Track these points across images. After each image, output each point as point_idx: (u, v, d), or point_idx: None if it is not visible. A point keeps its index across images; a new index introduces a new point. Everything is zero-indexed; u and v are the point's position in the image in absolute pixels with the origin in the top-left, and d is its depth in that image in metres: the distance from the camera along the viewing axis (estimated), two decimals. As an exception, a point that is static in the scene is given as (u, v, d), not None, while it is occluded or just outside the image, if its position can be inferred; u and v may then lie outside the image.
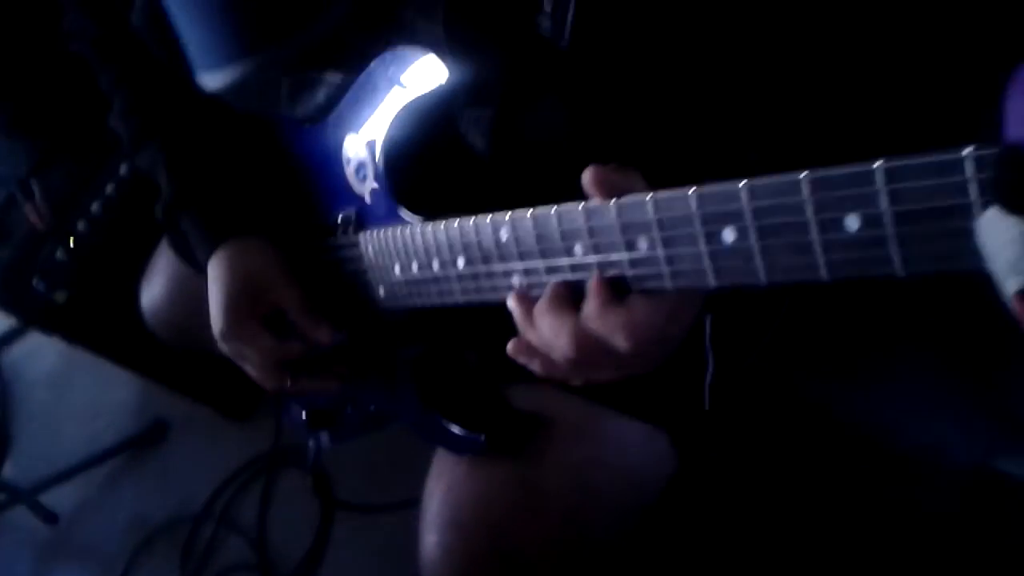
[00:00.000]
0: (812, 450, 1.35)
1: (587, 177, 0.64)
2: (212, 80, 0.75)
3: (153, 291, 1.39)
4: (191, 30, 0.74)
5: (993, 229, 0.40)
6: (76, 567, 2.29)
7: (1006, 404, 0.92)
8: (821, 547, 1.33)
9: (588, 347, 0.67)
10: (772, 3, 0.73)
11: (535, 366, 0.75)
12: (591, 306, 0.65)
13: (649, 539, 1.06)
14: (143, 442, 2.35)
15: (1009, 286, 0.39)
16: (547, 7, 0.78)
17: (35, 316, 1.85)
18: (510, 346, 0.75)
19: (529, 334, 0.72)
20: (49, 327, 1.89)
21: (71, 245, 1.81)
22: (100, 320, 1.88)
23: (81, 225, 1.82)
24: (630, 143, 0.80)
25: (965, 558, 1.22)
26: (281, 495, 2.09)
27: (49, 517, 2.30)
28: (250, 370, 1.05)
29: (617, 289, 0.65)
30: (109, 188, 1.85)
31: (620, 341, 0.65)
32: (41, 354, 2.74)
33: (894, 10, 0.71)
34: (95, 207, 1.83)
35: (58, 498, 2.33)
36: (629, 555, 1.01)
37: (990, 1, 0.69)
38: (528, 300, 0.72)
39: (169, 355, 1.73)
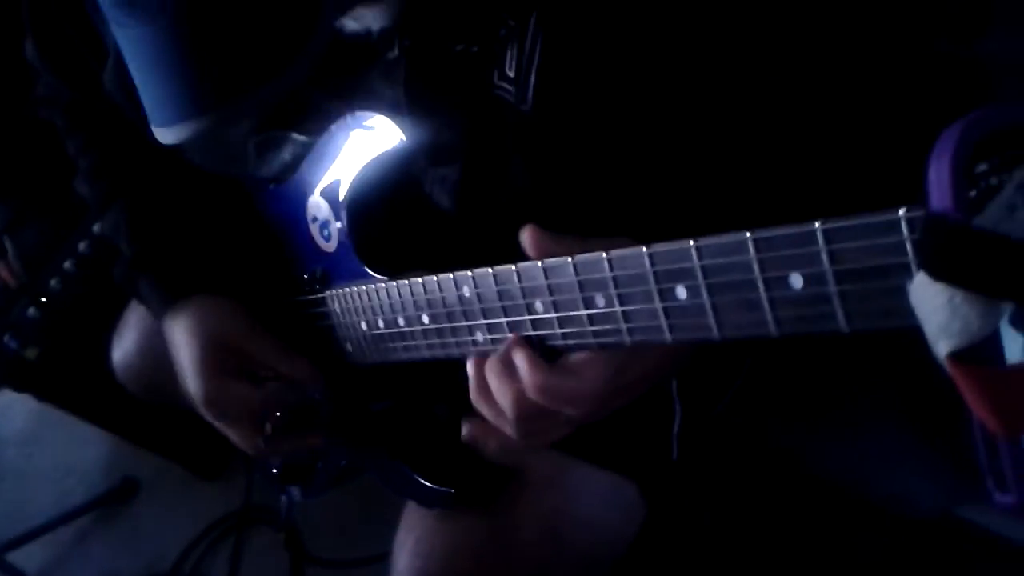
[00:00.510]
0: (780, 498, 1.36)
1: (524, 237, 0.66)
2: (164, 136, 0.76)
3: (124, 345, 1.38)
4: (145, 87, 0.75)
5: (922, 294, 0.41)
6: (44, 628, 2.25)
7: (966, 454, 0.94)
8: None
9: (530, 412, 0.69)
10: (726, 72, 0.75)
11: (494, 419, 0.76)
12: (531, 383, 0.67)
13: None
14: (113, 500, 2.33)
15: (940, 349, 0.41)
16: (510, 72, 0.80)
17: (6, 374, 1.84)
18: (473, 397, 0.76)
19: (483, 393, 0.74)
20: (20, 385, 1.87)
21: (43, 302, 1.81)
22: (71, 377, 1.87)
23: (54, 282, 1.82)
24: (594, 201, 0.83)
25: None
26: (252, 553, 2.07)
27: (17, 576, 2.27)
28: (232, 432, 1.04)
29: (547, 355, 0.67)
30: (82, 246, 1.85)
31: (570, 410, 0.67)
32: (11, 413, 2.72)
33: (835, 76, 0.73)
34: (68, 265, 1.83)
35: (27, 557, 2.29)
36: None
37: (924, 67, 0.71)
38: (482, 362, 0.74)
39: (139, 412, 1.73)
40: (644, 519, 1.04)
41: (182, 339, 1.02)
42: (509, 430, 0.73)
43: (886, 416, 1.11)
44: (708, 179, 0.79)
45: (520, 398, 0.69)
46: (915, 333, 0.43)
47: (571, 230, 0.67)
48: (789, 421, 1.21)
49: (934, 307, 0.40)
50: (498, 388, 0.70)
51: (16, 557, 2.27)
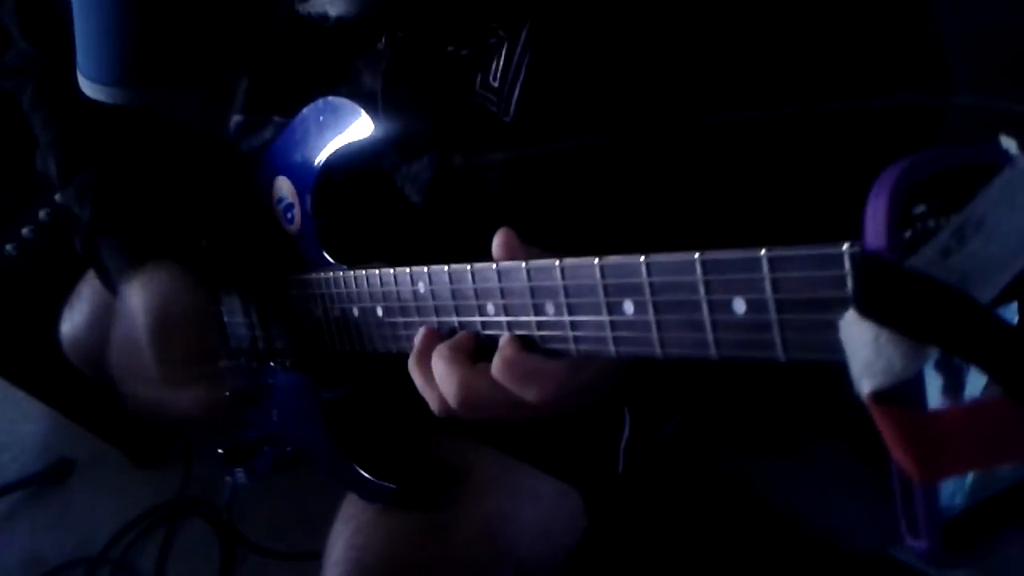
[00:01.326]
0: (721, 521, 1.37)
1: (496, 240, 0.67)
2: (90, 90, 0.76)
3: (75, 319, 1.37)
4: (87, 36, 0.75)
5: (850, 331, 0.41)
6: (-39, 601, 2.21)
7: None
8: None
9: (470, 402, 0.69)
10: (705, 97, 0.77)
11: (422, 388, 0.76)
12: (501, 356, 0.67)
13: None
14: (45, 479, 2.29)
15: (863, 387, 0.41)
16: (494, 81, 0.81)
17: (-51, 337, 1.82)
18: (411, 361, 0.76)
19: (418, 364, 0.74)
20: (-37, 348, 1.85)
21: (-5, 267, 1.79)
22: (16, 346, 1.85)
23: (10, 247, 1.80)
24: (565, 214, 0.84)
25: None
26: (182, 545, 2.05)
27: (-62, 547, 2.23)
28: (183, 394, 0.99)
29: (526, 345, 0.67)
30: (42, 214, 1.83)
31: (530, 393, 0.66)
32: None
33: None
34: (26, 231, 1.81)
35: (-49, 530, 2.26)
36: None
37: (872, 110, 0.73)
38: (435, 339, 0.73)
39: (82, 390, 1.70)
40: (585, 531, 1.04)
41: (139, 301, 0.99)
42: (435, 405, 0.74)
43: (832, 450, 1.13)
44: (681, 199, 0.81)
45: (464, 385, 0.69)
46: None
47: (541, 240, 0.68)
48: (736, 446, 1.22)
49: (860, 344, 0.40)
50: (444, 372, 0.70)
51: (-60, 529, 2.24)
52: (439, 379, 0.71)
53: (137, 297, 1.00)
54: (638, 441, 1.02)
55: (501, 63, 0.81)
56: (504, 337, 0.67)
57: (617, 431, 1.01)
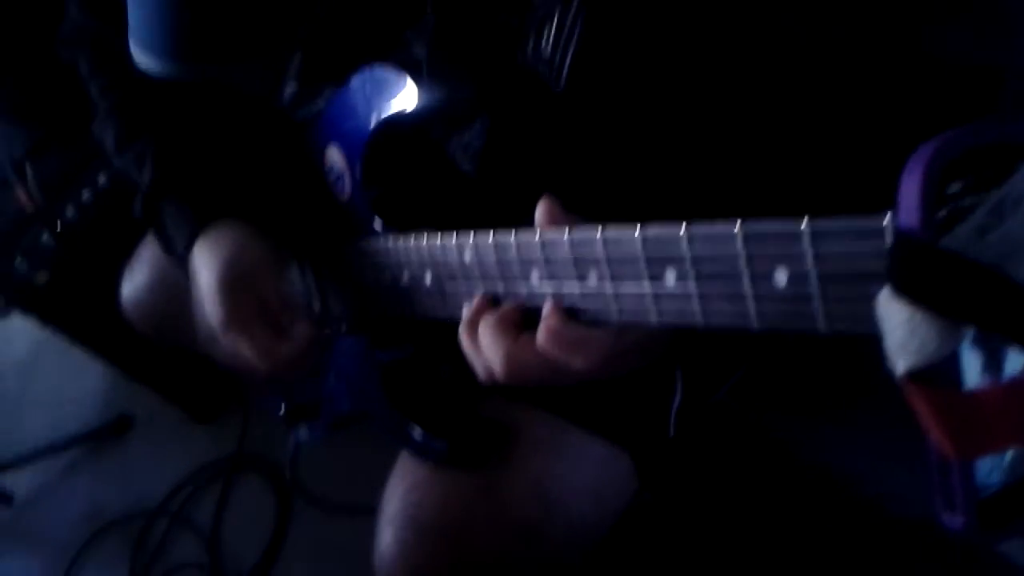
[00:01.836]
0: (771, 488, 1.37)
1: (539, 206, 0.67)
2: (142, 59, 0.78)
3: (135, 281, 1.39)
4: (144, 9, 0.77)
5: (885, 309, 0.41)
6: (25, 551, 2.28)
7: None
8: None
9: (516, 372, 0.70)
10: (758, 62, 0.76)
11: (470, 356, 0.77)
12: (546, 326, 0.67)
13: (606, 564, 1.07)
14: (105, 434, 2.35)
15: (898, 366, 0.40)
16: (545, 49, 0.81)
17: (14, 295, 1.86)
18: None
19: (467, 333, 0.75)
20: (25, 307, 1.89)
21: (58, 229, 1.82)
22: (77, 306, 1.89)
23: (70, 211, 1.84)
24: (615, 183, 0.84)
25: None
26: (239, 499, 2.09)
27: (4, 499, 2.30)
28: (250, 347, 0.98)
29: (570, 314, 0.67)
30: (102, 178, 1.86)
31: (576, 361, 0.67)
32: (13, 340, 2.74)
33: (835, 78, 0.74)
34: (86, 195, 1.85)
35: (15, 481, 2.32)
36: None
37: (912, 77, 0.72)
38: (485, 308, 0.75)
39: (141, 349, 1.74)
40: (635, 493, 1.05)
41: (204, 261, 1.00)
42: (481, 373, 0.75)
43: (884, 415, 1.12)
44: (735, 168, 0.80)
45: (509, 356, 0.70)
46: None
47: (589, 209, 0.68)
48: (789, 414, 1.22)
49: (895, 323, 0.40)
50: (490, 342, 0.71)
51: (5, 480, 2.31)
52: (485, 349, 0.72)
53: (206, 255, 1.00)
54: (690, 405, 1.02)
55: (552, 32, 0.80)
56: (548, 306, 0.68)
57: (669, 395, 1.01)
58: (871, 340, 0.47)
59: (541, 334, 0.67)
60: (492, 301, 0.75)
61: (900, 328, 0.40)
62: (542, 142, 0.88)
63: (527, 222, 0.70)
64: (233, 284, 0.98)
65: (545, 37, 0.81)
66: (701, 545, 1.45)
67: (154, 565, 2.06)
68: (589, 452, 1.02)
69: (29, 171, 1.85)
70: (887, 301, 0.41)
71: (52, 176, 1.87)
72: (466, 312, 0.76)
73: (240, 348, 0.98)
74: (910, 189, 0.39)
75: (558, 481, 0.98)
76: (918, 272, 0.39)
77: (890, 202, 0.43)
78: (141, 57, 0.78)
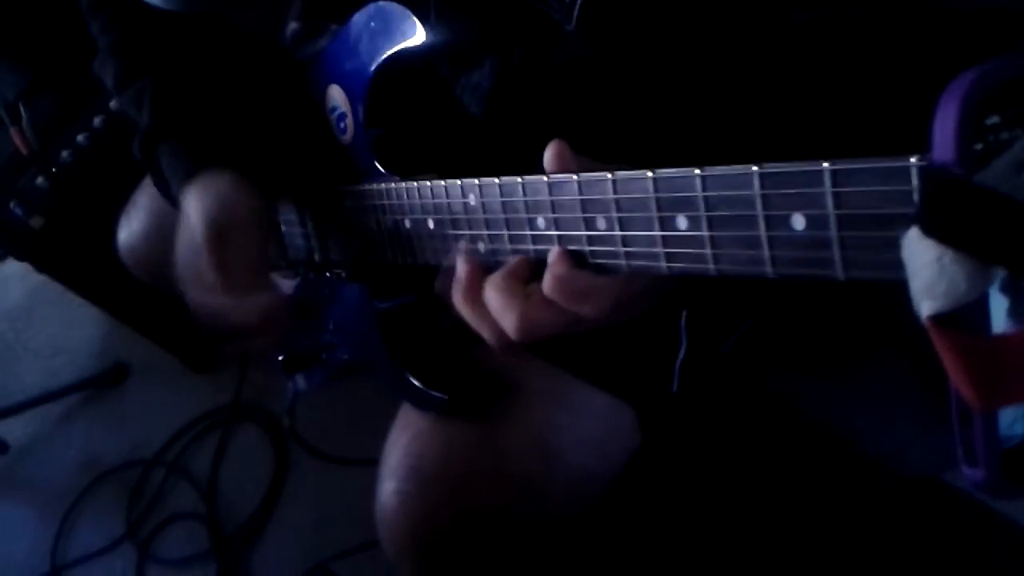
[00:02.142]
0: (775, 443, 1.37)
1: (548, 150, 0.65)
2: None
3: (132, 226, 1.38)
4: None
5: (912, 249, 0.39)
6: (22, 499, 2.29)
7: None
8: (773, 538, 1.35)
9: (529, 331, 0.68)
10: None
11: (476, 324, 0.74)
12: (553, 274, 0.66)
13: (607, 517, 1.06)
14: (101, 383, 2.35)
15: (923, 309, 0.39)
16: None
17: (9, 240, 1.84)
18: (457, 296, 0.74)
19: (468, 300, 0.73)
20: (21, 253, 1.88)
21: (53, 173, 1.81)
22: (73, 252, 1.88)
23: (65, 154, 1.82)
24: (626, 125, 0.82)
25: (907, 567, 1.25)
26: (235, 449, 2.10)
27: (0, 447, 2.30)
28: (244, 296, 0.97)
29: (577, 261, 0.66)
30: (97, 121, 1.85)
31: (585, 309, 0.65)
32: (8, 287, 2.74)
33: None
34: (81, 138, 1.83)
35: (10, 429, 2.33)
36: (586, 529, 1.02)
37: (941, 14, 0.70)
38: (481, 272, 0.72)
39: (138, 297, 1.73)
40: (637, 448, 1.04)
41: (194, 205, 0.98)
42: (492, 339, 0.73)
43: (889, 372, 1.11)
44: (749, 114, 0.78)
45: (524, 317, 0.67)
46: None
47: (600, 152, 0.66)
48: (792, 368, 1.20)
49: (922, 264, 0.38)
50: (502, 305, 0.69)
51: (0, 428, 2.31)
52: (497, 313, 0.69)
53: (195, 203, 0.98)
54: (694, 360, 1.01)
55: None
56: (554, 252, 0.66)
57: (673, 349, 1.00)
58: (877, 292, 0.46)
59: (548, 281, 0.66)
60: (486, 265, 0.73)
61: (927, 269, 0.38)
62: (553, 83, 0.86)
63: (535, 170, 0.68)
64: (220, 230, 0.96)
65: None
66: (702, 501, 1.45)
67: (151, 514, 2.07)
68: (591, 404, 1.01)
69: (23, 113, 1.82)
70: (914, 241, 0.39)
71: (46, 118, 1.85)
72: (462, 278, 0.73)
73: (218, 301, 0.97)
74: (946, 119, 0.37)
75: (560, 433, 0.98)
76: (950, 209, 0.37)
77: (910, 150, 0.42)
78: None
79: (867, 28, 0.71)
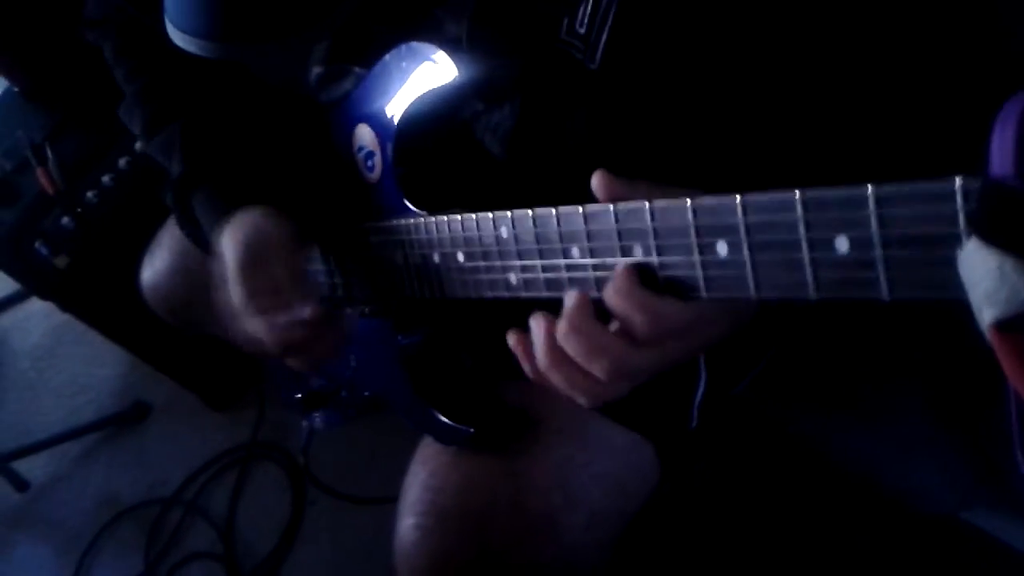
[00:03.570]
0: (792, 481, 1.36)
1: (595, 182, 0.65)
2: (179, 39, 0.78)
3: (155, 265, 1.39)
4: None
5: (972, 260, 0.41)
6: (40, 537, 2.29)
7: (988, 455, 0.94)
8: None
9: (630, 369, 0.67)
10: (801, 37, 0.75)
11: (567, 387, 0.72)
12: (615, 288, 0.65)
13: (627, 552, 1.06)
14: (122, 421, 2.35)
15: (984, 317, 0.40)
16: (580, 28, 0.80)
17: (33, 279, 1.86)
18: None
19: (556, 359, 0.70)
20: (45, 292, 1.89)
21: (78, 213, 1.82)
22: (97, 292, 1.89)
23: (91, 195, 1.84)
24: (651, 158, 0.82)
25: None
26: (254, 488, 2.09)
27: (20, 484, 2.30)
28: (271, 326, 0.98)
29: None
30: (122, 162, 1.87)
31: (673, 343, 0.66)
32: (31, 326, 2.76)
33: (896, 40, 0.73)
34: (106, 179, 1.85)
35: (31, 467, 2.33)
36: (606, 565, 1.01)
37: (986, 34, 0.71)
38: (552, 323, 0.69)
39: (159, 336, 1.75)
40: (657, 484, 1.04)
41: (227, 243, 1.00)
42: (583, 398, 0.71)
43: (908, 411, 1.11)
44: (771, 142, 0.79)
45: (624, 355, 0.66)
46: (954, 311, 0.43)
47: None
48: (810, 406, 1.20)
49: (983, 273, 0.40)
50: (593, 349, 0.66)
51: (21, 466, 2.31)
52: (589, 363, 0.67)
53: (229, 236, 1.01)
54: (713, 397, 1.01)
55: (589, 8, 0.79)
56: (619, 268, 0.64)
57: (692, 386, 1.00)
58: (898, 331, 0.47)
59: (608, 294, 0.65)
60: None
61: (988, 278, 0.40)
62: (573, 123, 0.87)
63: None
64: (253, 263, 0.98)
65: (581, 14, 0.80)
66: (720, 538, 1.44)
67: (169, 553, 2.06)
68: (612, 441, 1.01)
69: (50, 154, 1.85)
70: (973, 251, 0.41)
71: (72, 158, 1.87)
72: (542, 337, 0.69)
73: (255, 326, 0.98)
74: (1004, 136, 0.39)
75: (581, 469, 0.97)
76: (1010, 219, 0.39)
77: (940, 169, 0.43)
78: (178, 36, 0.78)
79: (897, 61, 0.72)
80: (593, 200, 0.66)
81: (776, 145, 0.79)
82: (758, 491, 1.43)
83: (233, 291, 0.99)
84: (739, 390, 1.06)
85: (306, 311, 0.97)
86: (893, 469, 1.21)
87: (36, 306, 2.27)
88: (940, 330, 0.89)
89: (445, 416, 0.99)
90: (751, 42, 0.77)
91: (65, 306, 1.94)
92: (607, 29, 0.78)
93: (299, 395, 1.22)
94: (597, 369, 0.66)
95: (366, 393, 1.15)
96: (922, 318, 0.87)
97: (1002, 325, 0.40)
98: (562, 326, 0.67)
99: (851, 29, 0.75)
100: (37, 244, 1.79)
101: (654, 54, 0.79)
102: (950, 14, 0.73)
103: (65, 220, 1.82)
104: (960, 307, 0.44)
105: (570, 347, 0.67)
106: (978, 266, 0.40)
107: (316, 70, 1.07)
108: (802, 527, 1.39)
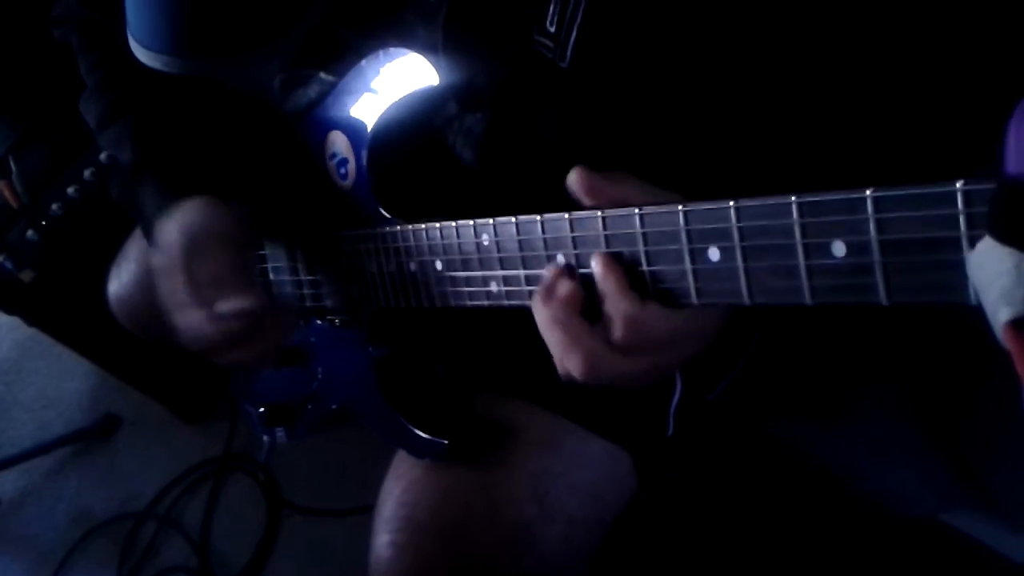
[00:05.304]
0: (770, 486, 1.36)
1: (573, 180, 0.64)
2: (141, 55, 0.76)
3: (122, 278, 1.37)
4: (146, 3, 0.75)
5: (986, 260, 0.40)
6: (12, 553, 2.24)
7: (965, 457, 0.93)
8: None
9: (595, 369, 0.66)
10: (774, 35, 0.74)
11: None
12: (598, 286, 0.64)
13: (606, 562, 1.05)
14: (92, 435, 2.32)
15: (1000, 316, 0.40)
16: (550, 27, 0.79)
17: (-1, 293, 1.83)
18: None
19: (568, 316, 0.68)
20: (11, 306, 1.86)
21: (43, 225, 1.79)
22: (63, 305, 1.86)
23: (55, 207, 1.81)
24: (622, 160, 0.81)
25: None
26: (227, 500, 2.07)
27: (-10, 501, 2.27)
28: (228, 329, 0.94)
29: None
30: (87, 173, 1.83)
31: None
32: (-4, 341, 2.71)
33: (899, 40, 0.72)
34: (71, 191, 1.82)
35: (1, 483, 2.30)
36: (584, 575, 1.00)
37: (995, 34, 0.70)
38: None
39: (128, 348, 1.72)
40: (634, 492, 1.03)
41: (172, 229, 0.96)
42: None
43: (885, 413, 1.11)
44: (745, 142, 0.78)
45: (600, 355, 0.65)
46: (933, 313, 0.43)
47: None
48: (786, 409, 1.20)
49: (997, 272, 0.39)
50: (570, 343, 0.66)
51: (-11, 483, 2.28)
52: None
53: (169, 225, 0.97)
54: (688, 403, 1.01)
55: (557, 8, 0.78)
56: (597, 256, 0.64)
57: (668, 393, 1.00)
58: (874, 334, 0.46)
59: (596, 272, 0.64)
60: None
61: (1004, 277, 0.39)
62: (544, 124, 0.86)
63: (529, 211, 0.67)
64: (195, 252, 0.94)
65: (551, 13, 0.79)
66: (699, 545, 1.44)
67: (143, 568, 2.03)
68: (587, 450, 1.00)
69: (13, 167, 1.82)
70: (987, 251, 0.40)
71: (36, 171, 1.85)
72: (565, 290, 0.67)
73: (195, 318, 0.94)
74: (1020, 135, 0.39)
75: (557, 479, 0.97)
76: None
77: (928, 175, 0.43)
78: (141, 52, 0.76)
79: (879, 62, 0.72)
80: (566, 201, 0.65)
81: (749, 143, 0.79)
82: (736, 497, 1.43)
83: (174, 282, 0.94)
84: (715, 395, 1.06)
85: (247, 301, 0.93)
86: (871, 472, 1.21)
87: (1, 320, 2.23)
88: (916, 333, 0.89)
89: (418, 429, 0.97)
90: (723, 38, 0.76)
91: (31, 320, 1.90)
92: (576, 26, 0.77)
93: (261, 409, 1.20)
94: (571, 363, 0.66)
95: (333, 406, 1.12)
96: (898, 321, 0.87)
97: (1018, 324, 0.39)
98: (547, 314, 0.67)
99: (822, 25, 0.74)
100: (1, 258, 1.76)
101: (626, 50, 0.79)
102: (950, 14, 0.72)
103: (30, 233, 1.78)
104: (951, 311, 0.44)
105: (550, 337, 0.67)
106: (993, 265, 0.40)
107: (278, 79, 1.06)
108: (780, 531, 1.39)
